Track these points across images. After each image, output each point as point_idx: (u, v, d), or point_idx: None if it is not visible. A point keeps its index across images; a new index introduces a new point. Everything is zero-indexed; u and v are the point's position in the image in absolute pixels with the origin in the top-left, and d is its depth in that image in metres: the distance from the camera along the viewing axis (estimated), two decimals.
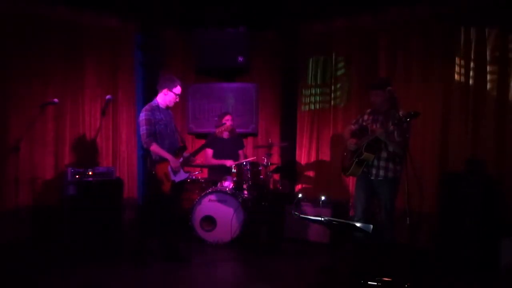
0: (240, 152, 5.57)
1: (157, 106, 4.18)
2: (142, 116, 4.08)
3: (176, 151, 4.18)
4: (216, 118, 5.84)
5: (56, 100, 4.65)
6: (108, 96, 4.37)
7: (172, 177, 4.13)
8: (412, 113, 3.46)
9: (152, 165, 4.16)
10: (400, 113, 3.69)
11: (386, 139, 3.76)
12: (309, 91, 6.01)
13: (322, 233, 4.85)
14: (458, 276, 3.97)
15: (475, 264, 4.12)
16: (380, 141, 3.81)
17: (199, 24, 5.97)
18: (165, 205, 4.21)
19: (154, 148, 4.06)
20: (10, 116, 4.98)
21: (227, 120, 5.44)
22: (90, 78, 5.60)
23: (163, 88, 4.17)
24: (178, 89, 4.18)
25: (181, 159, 4.18)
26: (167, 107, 4.25)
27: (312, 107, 5.97)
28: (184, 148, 4.27)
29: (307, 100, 6.02)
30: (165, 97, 4.18)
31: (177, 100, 4.23)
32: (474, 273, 4.02)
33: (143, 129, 4.05)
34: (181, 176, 4.21)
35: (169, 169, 4.11)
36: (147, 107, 4.16)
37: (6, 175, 4.84)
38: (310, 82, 6.00)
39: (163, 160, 4.11)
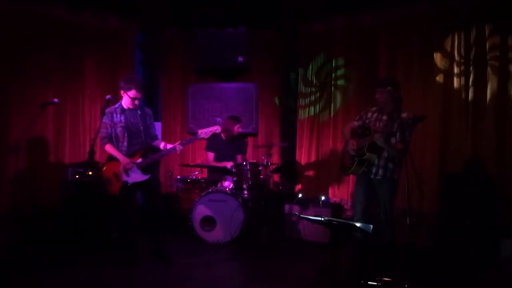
0: (239, 156, 5.55)
1: (119, 108, 4.15)
2: (103, 119, 4.13)
3: (136, 151, 4.12)
4: (218, 119, 5.83)
5: (56, 100, 4.65)
6: (108, 96, 4.36)
7: (124, 178, 4.07)
8: (418, 116, 3.40)
9: (102, 164, 4.19)
10: (405, 115, 3.65)
11: (383, 145, 3.73)
12: (309, 91, 6.01)
13: (322, 233, 4.85)
14: (458, 276, 3.96)
15: (475, 264, 4.12)
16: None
17: (199, 24, 5.97)
18: (114, 206, 4.17)
19: (107, 148, 4.13)
20: (10, 116, 4.99)
21: (238, 128, 5.42)
22: (90, 78, 5.61)
23: (120, 89, 4.14)
24: (132, 93, 4.05)
25: (140, 160, 4.08)
26: (130, 108, 4.16)
27: (312, 107, 5.97)
28: (146, 150, 4.16)
29: (307, 100, 6.03)
30: (124, 99, 4.16)
31: (136, 103, 4.12)
32: (474, 273, 4.01)
33: (100, 132, 4.13)
34: (136, 178, 4.08)
35: (121, 168, 4.07)
36: (106, 110, 4.17)
37: (6, 175, 4.84)
38: (310, 82, 6.00)
39: (114, 159, 4.10)
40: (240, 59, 5.85)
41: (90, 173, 4.82)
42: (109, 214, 4.75)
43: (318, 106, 5.93)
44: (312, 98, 5.98)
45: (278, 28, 6.17)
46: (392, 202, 3.91)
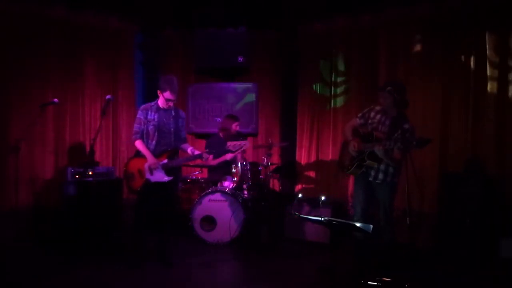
0: (238, 155, 5.56)
1: (154, 106, 4.18)
2: (137, 114, 4.22)
3: (163, 152, 4.15)
4: (218, 119, 5.83)
5: (56, 100, 4.66)
6: (108, 96, 4.37)
7: (147, 176, 4.11)
8: (423, 140, 3.34)
9: (129, 159, 4.27)
10: (407, 125, 3.59)
11: (383, 156, 3.70)
12: (309, 91, 6.01)
13: (322, 233, 4.85)
14: (458, 276, 3.96)
15: (474, 264, 4.12)
16: None
17: (199, 24, 5.98)
18: (136, 202, 4.22)
19: (137, 144, 4.16)
20: (10, 116, 4.99)
21: (236, 126, 5.44)
22: (90, 78, 5.61)
23: (158, 89, 4.17)
24: (167, 94, 4.07)
25: (165, 161, 4.11)
26: (166, 108, 4.18)
27: (312, 107, 5.97)
28: (172, 152, 4.19)
29: (307, 100, 6.02)
30: (160, 98, 4.17)
31: (170, 104, 4.13)
32: (474, 272, 4.01)
33: (134, 126, 4.20)
34: (159, 177, 4.10)
35: (146, 166, 4.11)
36: (143, 106, 4.24)
37: (6, 175, 4.85)
38: (310, 82, 5.99)
39: (141, 156, 4.15)
40: (240, 59, 5.86)
41: (90, 173, 4.82)
42: (113, 212, 4.78)
43: (318, 106, 5.93)
44: (312, 98, 5.97)
45: (278, 28, 6.17)
46: (392, 203, 3.90)
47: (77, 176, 4.79)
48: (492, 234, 4.20)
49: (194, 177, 5.48)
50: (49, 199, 5.15)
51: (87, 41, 5.55)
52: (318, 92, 5.92)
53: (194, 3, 5.84)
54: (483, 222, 4.21)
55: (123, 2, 5.60)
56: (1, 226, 4.69)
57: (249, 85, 6.18)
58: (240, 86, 6.20)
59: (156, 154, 4.13)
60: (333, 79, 5.78)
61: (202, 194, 4.97)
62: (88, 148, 5.41)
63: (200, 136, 6.34)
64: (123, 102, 5.89)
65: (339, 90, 5.74)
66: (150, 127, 4.13)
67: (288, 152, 6.15)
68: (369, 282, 3.42)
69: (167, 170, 4.13)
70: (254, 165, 5.12)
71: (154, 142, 4.15)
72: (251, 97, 6.10)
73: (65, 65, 5.40)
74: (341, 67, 5.72)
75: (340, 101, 5.73)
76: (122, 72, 5.89)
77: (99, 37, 5.65)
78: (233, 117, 5.53)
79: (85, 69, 5.57)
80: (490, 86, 4.53)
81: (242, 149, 4.20)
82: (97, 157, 5.57)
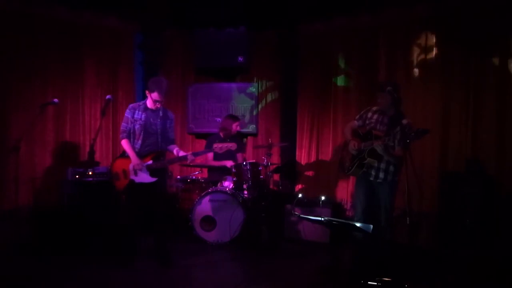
0: (239, 155, 5.56)
1: (142, 105, 4.18)
2: (125, 113, 4.21)
3: (148, 153, 4.14)
4: (218, 119, 5.83)
5: (56, 100, 4.65)
6: (108, 96, 4.36)
7: (132, 176, 4.12)
8: (421, 131, 3.35)
9: (114, 158, 4.29)
10: (405, 121, 3.57)
11: (382, 153, 3.72)
12: (308, 91, 6.00)
13: (322, 233, 4.85)
14: (458, 276, 3.96)
15: (474, 264, 4.12)
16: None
17: (199, 24, 5.97)
18: (123, 202, 4.25)
19: (123, 143, 4.17)
20: (10, 116, 4.99)
21: (237, 126, 5.47)
22: (90, 78, 5.62)
23: (146, 89, 4.17)
24: (155, 95, 4.06)
25: (150, 162, 4.10)
26: (153, 110, 4.17)
27: (312, 107, 5.97)
28: (158, 153, 4.17)
29: (307, 100, 6.02)
30: (148, 99, 4.16)
31: (157, 105, 4.13)
32: (473, 272, 4.01)
33: (121, 125, 4.21)
34: (143, 178, 4.11)
35: (131, 167, 4.11)
36: (131, 105, 4.25)
37: (6, 175, 4.85)
38: (309, 82, 5.99)
39: (127, 156, 4.15)
40: (240, 59, 5.86)
41: (90, 173, 4.82)
42: (112, 212, 4.79)
43: (318, 106, 5.93)
44: (312, 98, 5.97)
45: (278, 28, 6.17)
46: (392, 203, 3.91)
47: (77, 176, 4.79)
48: (492, 234, 4.19)
49: (194, 177, 5.48)
50: (49, 199, 5.14)
51: (87, 41, 5.56)
52: (318, 92, 5.92)
53: (194, 3, 5.84)
54: (483, 222, 4.21)
55: (123, 2, 5.60)
56: (1, 226, 4.69)
57: (249, 85, 6.18)
58: (240, 86, 6.20)
59: (141, 154, 4.13)
60: (333, 79, 5.78)
61: (202, 194, 4.97)
62: (88, 148, 5.40)
63: (200, 136, 6.34)
64: (123, 102, 5.89)
65: (339, 90, 5.74)
66: (137, 127, 4.13)
67: (288, 152, 6.15)
68: (369, 282, 3.42)
69: (152, 171, 4.12)
70: (254, 165, 5.11)
71: (139, 141, 4.14)
72: (253, 98, 6.10)
73: (65, 65, 5.40)
74: (341, 67, 5.72)
75: (340, 101, 5.72)
76: (122, 72, 5.89)
77: (99, 37, 5.66)
78: (233, 117, 5.54)
79: (85, 69, 5.57)
80: (490, 86, 4.53)
81: (228, 148, 4.20)
82: (97, 157, 5.57)
